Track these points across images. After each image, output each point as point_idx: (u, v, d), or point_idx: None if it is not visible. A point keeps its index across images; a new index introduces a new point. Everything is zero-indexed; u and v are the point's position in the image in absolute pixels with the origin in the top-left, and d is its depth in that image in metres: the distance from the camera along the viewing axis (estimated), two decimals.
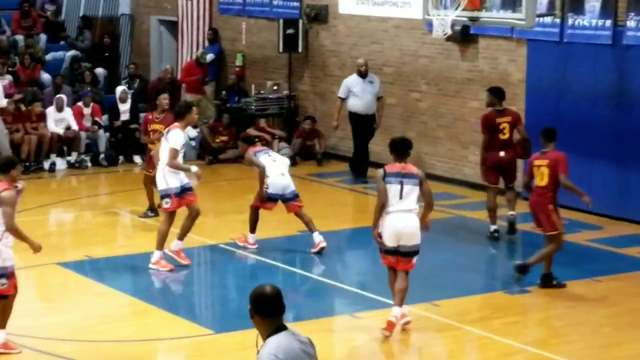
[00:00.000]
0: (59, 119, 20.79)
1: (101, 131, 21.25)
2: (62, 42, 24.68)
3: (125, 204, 18.27)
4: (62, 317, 12.70)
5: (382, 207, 11.37)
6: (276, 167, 14.89)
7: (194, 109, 14.35)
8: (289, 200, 14.85)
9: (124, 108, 21.43)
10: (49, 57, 23.60)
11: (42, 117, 20.82)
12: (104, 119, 21.53)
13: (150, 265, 13.99)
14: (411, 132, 19.92)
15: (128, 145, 21.39)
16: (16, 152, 19.37)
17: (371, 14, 20.51)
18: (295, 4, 22.01)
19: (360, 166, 19.99)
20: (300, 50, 21.84)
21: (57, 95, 21.10)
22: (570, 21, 17.13)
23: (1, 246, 10.60)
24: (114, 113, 21.53)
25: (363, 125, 19.76)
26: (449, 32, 16.46)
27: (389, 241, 11.38)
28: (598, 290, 13.59)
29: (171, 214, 13.99)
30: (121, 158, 21.41)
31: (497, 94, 15.69)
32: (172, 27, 25.14)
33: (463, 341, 12.06)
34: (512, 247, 16.10)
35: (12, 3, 24.34)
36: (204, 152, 21.60)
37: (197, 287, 14.59)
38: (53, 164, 20.62)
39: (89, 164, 21.09)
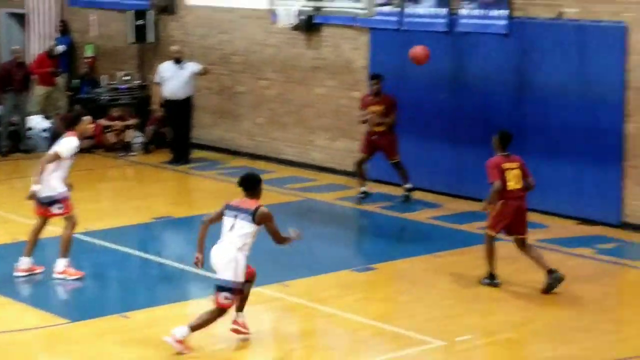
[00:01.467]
0: None
1: None
2: None
3: None
4: None
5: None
6: None
7: (84, 119, 13.79)
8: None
9: None
10: None
11: None
12: None
13: (56, 275, 13.22)
14: (260, 118, 20.17)
15: None
16: None
17: (218, 4, 20.67)
18: None
19: (179, 150, 20.13)
20: (150, 40, 21.84)
21: None
22: (408, 10, 17.51)
23: None
24: None
25: (175, 110, 19.91)
26: (294, 21, 16.73)
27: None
28: (439, 265, 13.85)
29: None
30: None
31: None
32: (21, 19, 24.74)
33: (313, 319, 12.14)
34: (361, 228, 16.32)
35: None
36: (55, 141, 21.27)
37: (51, 277, 14.33)
38: None
39: None
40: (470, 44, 17.03)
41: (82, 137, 13.79)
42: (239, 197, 10.73)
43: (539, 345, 11.22)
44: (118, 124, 21.22)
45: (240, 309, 11.05)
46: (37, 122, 21.58)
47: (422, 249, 14.48)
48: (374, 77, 16.96)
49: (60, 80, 22.72)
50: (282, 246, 11.06)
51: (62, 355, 10.98)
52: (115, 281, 13.66)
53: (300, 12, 16.63)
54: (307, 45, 19.38)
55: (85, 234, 15.05)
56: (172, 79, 19.72)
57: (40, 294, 13.17)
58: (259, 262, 12.31)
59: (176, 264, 13.99)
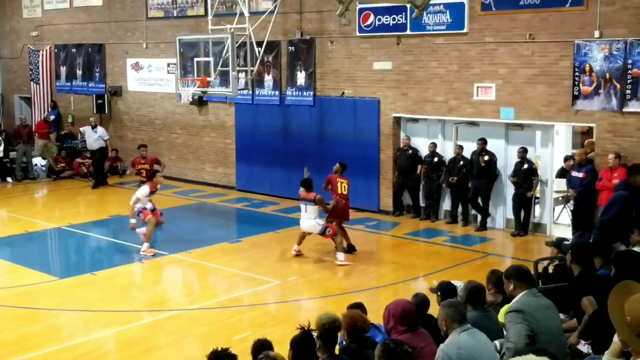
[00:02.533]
0: None
1: None
2: None
3: (2, 206, 17.14)
4: None
5: None
6: None
7: (158, 175, 13.02)
8: None
9: (0, 148, 20.33)
10: None
11: None
12: None
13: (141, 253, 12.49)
14: (173, 156, 19.93)
15: (2, 172, 20.28)
16: None
17: (147, 90, 20.45)
18: (102, 85, 21.48)
19: (99, 178, 19.28)
20: (106, 112, 21.44)
21: None
22: (257, 91, 17.57)
23: None
24: None
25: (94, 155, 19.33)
26: (190, 99, 16.70)
27: None
28: (278, 238, 13.66)
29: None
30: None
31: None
32: (28, 100, 23.96)
33: (205, 271, 11.81)
34: (233, 218, 16.24)
35: None
36: (51, 173, 20.72)
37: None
38: None
39: None
40: (292, 111, 17.12)
41: (154, 188, 12.83)
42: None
43: (334, 281, 11.34)
44: (87, 161, 20.71)
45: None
46: (38, 161, 20.94)
47: (268, 229, 14.38)
48: (141, 146, 16.11)
49: (52, 136, 21.96)
50: (327, 212, 11.93)
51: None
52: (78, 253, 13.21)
53: (194, 94, 16.62)
54: (199, 112, 19.26)
55: (70, 226, 14.65)
56: (90, 137, 19.25)
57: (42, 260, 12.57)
58: (174, 240, 12.24)
59: (124, 242, 13.59)
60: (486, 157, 14.20)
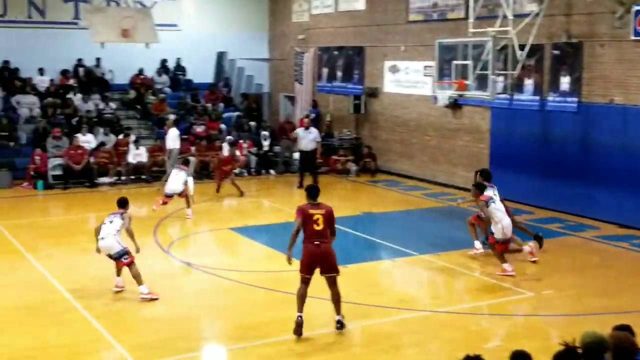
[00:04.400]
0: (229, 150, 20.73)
1: (252, 156, 21.30)
2: (231, 108, 24.54)
3: (265, 197, 17.89)
4: (230, 259, 12.46)
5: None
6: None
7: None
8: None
9: (266, 143, 21.48)
10: (225, 115, 23.55)
11: (220, 149, 20.60)
12: (254, 149, 21.45)
13: None
14: (424, 157, 19.69)
15: (267, 164, 21.29)
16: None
17: (402, 92, 20.31)
18: (360, 86, 21.74)
19: (301, 179, 18.86)
20: (362, 112, 21.64)
21: (228, 137, 21.00)
22: (516, 96, 16.69)
23: None
24: (260, 146, 21.55)
25: (304, 156, 19.04)
26: (447, 102, 16.28)
27: None
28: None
29: None
30: (263, 171, 21.16)
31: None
32: (292, 99, 25.03)
33: (454, 274, 11.46)
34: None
35: (204, 86, 24.36)
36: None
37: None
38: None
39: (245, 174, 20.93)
40: (553, 117, 16.05)
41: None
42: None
43: (594, 299, 10.26)
44: (342, 158, 21.07)
45: None
46: (298, 156, 21.43)
47: (524, 237, 13.25)
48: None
49: None
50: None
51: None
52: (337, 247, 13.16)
53: (450, 97, 16.22)
54: (453, 115, 18.79)
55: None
56: (302, 139, 18.98)
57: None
58: (423, 241, 11.79)
59: (373, 239, 13.63)
60: None
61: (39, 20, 22.39)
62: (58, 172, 18.94)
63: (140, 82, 23.32)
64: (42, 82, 22.10)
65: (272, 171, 21.23)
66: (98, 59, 23.12)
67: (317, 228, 8.43)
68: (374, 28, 21.06)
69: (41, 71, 22.26)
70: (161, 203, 15.37)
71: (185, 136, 21.15)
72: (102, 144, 19.76)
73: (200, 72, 24.66)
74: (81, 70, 23.03)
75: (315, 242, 8.45)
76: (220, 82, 25.17)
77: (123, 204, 10.45)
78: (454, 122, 18.77)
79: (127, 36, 20.07)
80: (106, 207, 15.16)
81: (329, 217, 8.55)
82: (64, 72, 22.61)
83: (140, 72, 23.58)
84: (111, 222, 10.18)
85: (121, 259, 10.05)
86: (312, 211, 8.47)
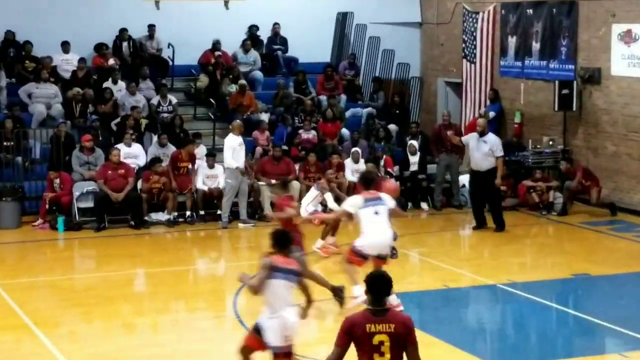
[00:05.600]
0: (354, 169, 20.98)
1: (392, 180, 21.36)
2: (359, 102, 24.96)
3: (413, 245, 18.15)
4: None
5: None
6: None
7: None
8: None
9: (414, 160, 21.57)
10: (348, 114, 23.92)
11: (341, 167, 20.99)
12: (395, 170, 21.61)
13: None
14: None
15: (416, 193, 21.48)
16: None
17: None
18: (570, 66, 21.57)
19: (478, 216, 19.09)
20: (574, 109, 21.38)
21: (353, 149, 21.37)
22: None
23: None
24: (405, 164, 21.70)
25: (476, 180, 18.98)
26: None
27: None
28: None
29: None
30: (409, 204, 21.29)
31: None
32: (457, 87, 25.20)
33: None
34: None
35: (317, 68, 24.86)
36: None
37: (478, 323, 14.32)
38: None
39: None
40: None
41: None
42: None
43: None
44: (541, 185, 20.84)
45: None
46: (465, 180, 21.27)
47: None
48: None
49: None
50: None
51: None
52: (533, 330, 13.42)
53: None
54: None
55: (508, 284, 15.04)
56: (474, 151, 18.79)
57: (464, 337, 12.97)
58: None
59: (592, 319, 13.52)
60: None
61: None
62: (88, 204, 19.68)
63: (215, 62, 24.07)
64: (67, 64, 23.21)
65: (424, 204, 21.43)
66: (151, 27, 24.07)
67: None
68: None
69: (65, 47, 23.34)
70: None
71: (286, 147, 21.53)
72: (156, 159, 20.45)
73: (311, 45, 25.24)
74: (125, 45, 24.07)
75: None
76: (342, 61, 25.63)
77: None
78: None
79: None
80: (161, 260, 15.71)
81: (404, 339, 7.59)
82: (99, 48, 23.64)
83: (216, 46, 24.35)
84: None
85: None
86: (370, 327, 7.51)
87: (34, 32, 23.01)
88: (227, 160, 19.46)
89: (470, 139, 19.05)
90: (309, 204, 16.95)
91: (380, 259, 13.12)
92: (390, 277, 7.60)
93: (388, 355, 7.45)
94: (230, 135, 19.71)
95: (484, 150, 18.68)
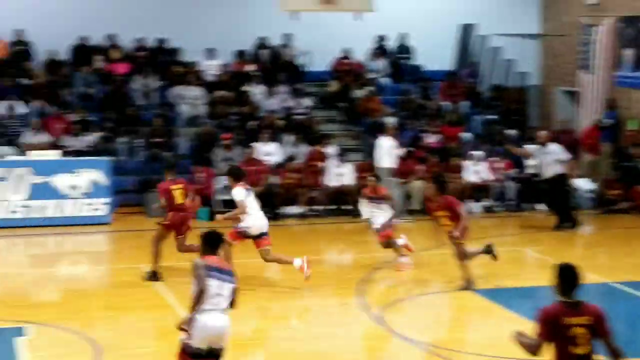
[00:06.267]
0: (474, 170, 21.87)
1: (511, 182, 22.16)
2: (479, 108, 25.56)
3: (527, 244, 18.52)
4: (471, 334, 13.12)
5: None
6: None
7: None
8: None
9: (530, 163, 21.88)
10: (471, 119, 24.62)
11: (460, 169, 21.92)
12: (513, 172, 22.27)
13: None
14: None
15: (532, 195, 21.95)
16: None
17: None
18: None
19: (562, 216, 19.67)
20: None
21: (474, 152, 22.22)
22: None
23: None
24: (521, 166, 22.33)
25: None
26: None
27: None
28: None
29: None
30: (526, 204, 21.94)
31: None
32: (574, 96, 25.50)
33: None
34: None
35: (440, 75, 25.68)
36: (601, 204, 21.89)
37: None
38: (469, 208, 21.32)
39: (500, 209, 21.97)
40: None
41: None
42: None
43: None
44: None
45: None
46: (583, 184, 22.11)
47: None
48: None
49: (605, 149, 23.08)
50: None
51: None
52: None
53: None
54: None
55: (623, 283, 14.99)
56: (546, 156, 19.55)
57: None
58: None
59: None
60: None
61: None
62: (228, 196, 20.67)
63: (346, 69, 25.12)
64: (211, 68, 24.67)
65: (539, 205, 21.78)
66: (287, 37, 25.24)
67: (576, 351, 7.57)
68: None
69: (210, 53, 24.78)
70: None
71: (411, 148, 22.41)
72: (290, 158, 21.65)
73: (435, 54, 26.00)
74: (264, 52, 25.27)
75: None
76: (465, 69, 26.44)
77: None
78: None
79: (330, 3, 21.79)
80: (292, 249, 16.23)
81: (600, 329, 7.62)
82: (240, 55, 25.00)
83: (347, 54, 25.39)
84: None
85: None
86: (567, 319, 7.52)
87: (182, 40, 24.49)
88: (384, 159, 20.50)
89: (535, 150, 19.96)
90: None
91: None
92: (579, 269, 7.66)
93: (583, 346, 7.45)
94: (390, 137, 20.74)
95: (548, 159, 19.50)
